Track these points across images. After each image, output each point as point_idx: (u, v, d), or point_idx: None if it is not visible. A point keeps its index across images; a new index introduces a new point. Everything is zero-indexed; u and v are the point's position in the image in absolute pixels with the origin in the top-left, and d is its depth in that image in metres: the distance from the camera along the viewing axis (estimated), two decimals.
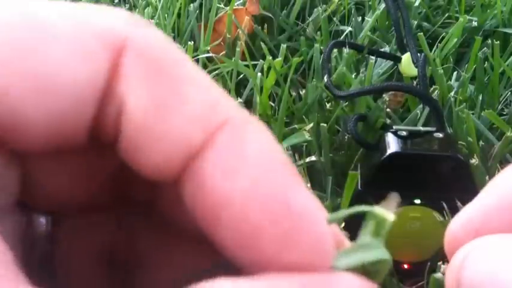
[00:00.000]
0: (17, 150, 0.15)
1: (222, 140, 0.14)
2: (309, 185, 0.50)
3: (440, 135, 0.47)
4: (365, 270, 0.15)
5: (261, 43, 0.66)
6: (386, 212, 0.15)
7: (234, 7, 0.70)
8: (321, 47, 0.62)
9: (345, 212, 0.16)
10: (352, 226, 0.18)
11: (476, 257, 0.18)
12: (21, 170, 0.16)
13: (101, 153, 0.16)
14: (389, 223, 0.15)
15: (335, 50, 0.62)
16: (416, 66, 0.58)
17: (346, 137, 0.53)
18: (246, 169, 0.14)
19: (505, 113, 0.60)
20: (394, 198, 0.16)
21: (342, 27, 0.71)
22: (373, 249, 0.15)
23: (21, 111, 0.14)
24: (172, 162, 0.15)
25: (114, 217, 0.19)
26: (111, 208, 0.18)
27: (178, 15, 0.71)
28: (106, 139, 0.16)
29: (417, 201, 0.44)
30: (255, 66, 0.61)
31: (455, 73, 0.63)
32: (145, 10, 0.74)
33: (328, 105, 0.58)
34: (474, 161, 0.46)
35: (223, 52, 0.67)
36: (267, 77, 0.59)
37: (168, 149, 0.15)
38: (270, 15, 0.72)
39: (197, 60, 0.64)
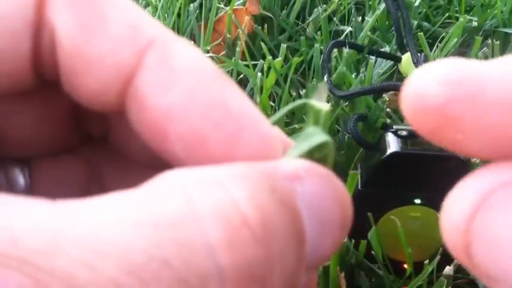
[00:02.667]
0: None
1: (153, 59, 0.15)
2: None
3: None
4: (314, 159, 0.15)
5: (261, 43, 0.66)
6: (319, 102, 0.16)
7: (234, 7, 0.70)
8: (321, 47, 0.62)
9: (283, 110, 0.18)
10: None
11: (498, 203, 0.12)
12: None
13: (54, 94, 0.17)
14: (324, 111, 0.16)
15: (335, 50, 0.62)
16: (416, 66, 0.58)
17: (346, 137, 0.53)
18: (181, 82, 0.15)
19: None
20: (322, 89, 0.17)
21: (342, 27, 0.71)
22: (314, 136, 0.16)
23: None
24: (109, 86, 0.15)
25: (81, 158, 0.19)
26: (77, 149, 0.19)
27: (178, 15, 0.71)
28: (50, 75, 0.16)
29: (417, 201, 0.44)
30: (255, 66, 0.61)
31: None
32: (145, 10, 0.74)
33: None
34: (475, 159, 0.46)
35: (223, 52, 0.67)
36: (267, 77, 0.59)
37: (101, 73, 0.15)
38: (270, 15, 0.72)
39: None
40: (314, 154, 0.16)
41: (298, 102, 0.17)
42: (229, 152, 0.15)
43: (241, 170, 0.14)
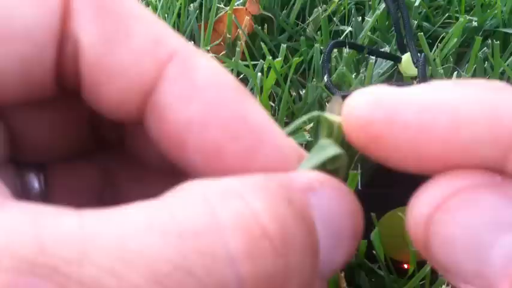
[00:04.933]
0: None
1: (173, 71, 0.15)
2: None
3: None
4: (327, 171, 0.16)
5: (261, 43, 0.66)
6: (333, 115, 0.17)
7: (234, 7, 0.70)
8: (321, 47, 0.62)
9: (296, 122, 0.18)
10: None
11: (454, 206, 0.14)
12: (6, 124, 0.17)
13: (72, 102, 0.17)
14: (338, 124, 0.16)
15: (335, 50, 0.62)
16: (416, 66, 0.58)
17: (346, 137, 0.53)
18: (201, 94, 0.15)
19: None
20: (337, 101, 0.17)
21: (342, 27, 0.71)
22: (327, 149, 0.16)
23: None
24: (130, 97, 0.15)
25: (96, 164, 0.20)
26: (91, 155, 0.19)
27: (178, 15, 0.71)
28: (71, 84, 0.16)
29: None
30: (255, 66, 0.61)
31: (455, 73, 0.63)
32: None
33: (328, 105, 0.58)
34: None
35: (223, 52, 0.67)
36: (267, 77, 0.59)
37: (122, 84, 0.15)
38: (270, 15, 0.72)
39: None
40: (327, 166, 0.16)
41: (313, 113, 0.17)
42: (246, 163, 0.15)
43: (259, 182, 0.14)
